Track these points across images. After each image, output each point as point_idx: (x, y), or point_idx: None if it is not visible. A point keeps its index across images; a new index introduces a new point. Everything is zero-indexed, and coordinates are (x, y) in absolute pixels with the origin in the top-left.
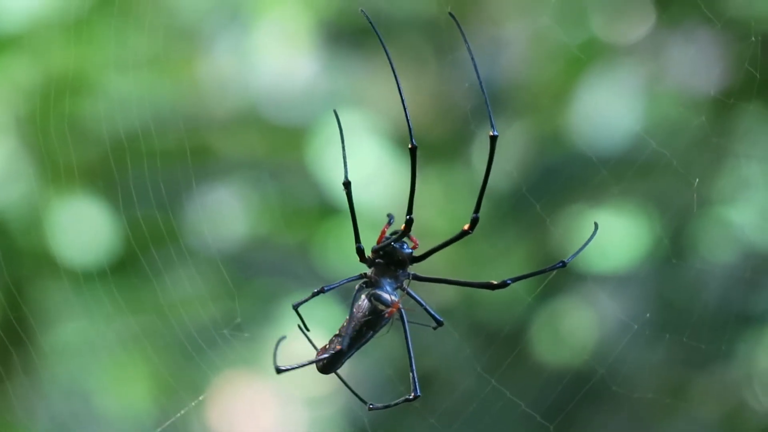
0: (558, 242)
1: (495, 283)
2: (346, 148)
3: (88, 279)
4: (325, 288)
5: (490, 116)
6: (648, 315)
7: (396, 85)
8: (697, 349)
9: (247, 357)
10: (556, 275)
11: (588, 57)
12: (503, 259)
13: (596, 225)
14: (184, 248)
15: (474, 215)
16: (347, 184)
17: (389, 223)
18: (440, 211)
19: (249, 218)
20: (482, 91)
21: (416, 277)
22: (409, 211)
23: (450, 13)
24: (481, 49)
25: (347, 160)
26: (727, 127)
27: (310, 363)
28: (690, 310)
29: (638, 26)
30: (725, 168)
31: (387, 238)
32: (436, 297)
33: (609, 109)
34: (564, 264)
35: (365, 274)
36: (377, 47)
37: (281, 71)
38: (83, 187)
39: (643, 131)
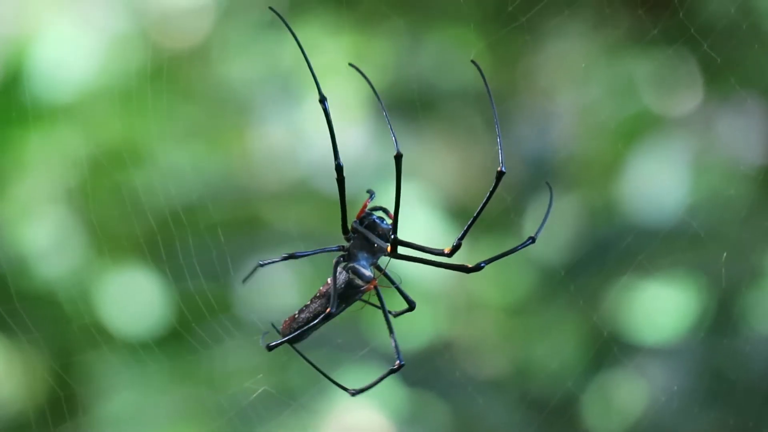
0: (607, 312)
1: (470, 266)
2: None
3: (138, 350)
4: (296, 254)
5: (500, 152)
6: (696, 386)
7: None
8: (746, 422)
9: (297, 429)
10: (605, 347)
11: (638, 129)
12: (554, 330)
13: (551, 188)
14: (236, 319)
15: (456, 241)
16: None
17: (370, 199)
18: (492, 282)
19: (300, 290)
20: (496, 126)
21: (393, 254)
22: (393, 231)
23: (472, 61)
24: (532, 122)
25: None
26: None
27: (289, 337)
28: (739, 382)
29: (688, 98)
30: None
31: (367, 213)
32: (486, 369)
33: (659, 181)
34: (533, 240)
35: (343, 246)
36: (428, 120)
37: None
38: (134, 257)
39: (693, 203)
